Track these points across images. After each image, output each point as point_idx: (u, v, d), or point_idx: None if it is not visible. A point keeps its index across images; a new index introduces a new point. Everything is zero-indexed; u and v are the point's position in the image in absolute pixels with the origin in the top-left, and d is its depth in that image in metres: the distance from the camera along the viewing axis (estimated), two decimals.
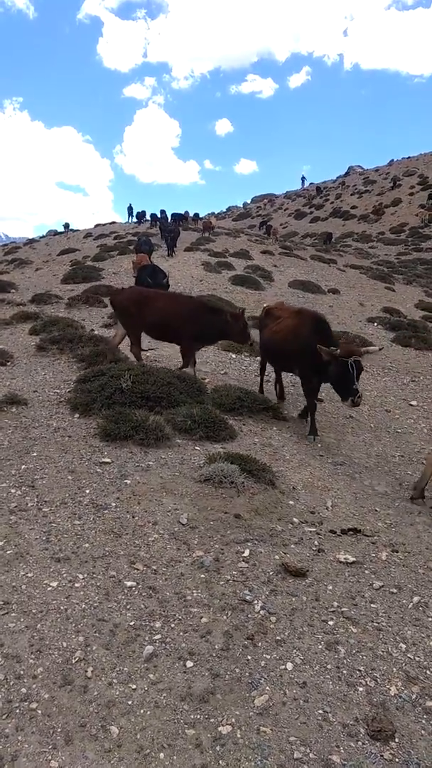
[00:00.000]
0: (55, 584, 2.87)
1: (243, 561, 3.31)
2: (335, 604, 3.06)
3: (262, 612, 2.89)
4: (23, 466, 4.07)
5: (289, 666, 2.57)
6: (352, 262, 23.91)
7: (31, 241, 44.14)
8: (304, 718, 2.31)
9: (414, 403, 8.09)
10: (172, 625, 2.72)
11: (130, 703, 2.28)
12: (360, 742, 2.24)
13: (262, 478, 4.25)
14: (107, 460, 4.28)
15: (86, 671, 2.39)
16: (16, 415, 5.13)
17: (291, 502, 4.20)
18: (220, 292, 13.08)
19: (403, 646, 2.80)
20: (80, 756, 2.04)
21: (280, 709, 2.35)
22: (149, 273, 9.59)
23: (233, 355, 8.96)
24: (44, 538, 3.24)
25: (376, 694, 2.48)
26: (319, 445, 5.94)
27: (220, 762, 2.09)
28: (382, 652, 2.74)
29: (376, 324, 12.61)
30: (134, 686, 2.36)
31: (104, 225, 45.69)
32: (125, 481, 3.99)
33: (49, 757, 2.02)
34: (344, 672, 2.58)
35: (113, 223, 46.95)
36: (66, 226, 46.71)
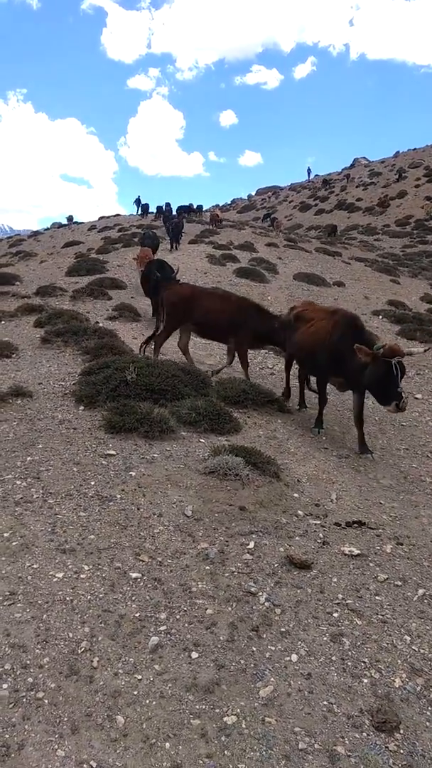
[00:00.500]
0: (60, 575, 2.88)
1: (248, 553, 3.31)
2: (340, 596, 3.06)
3: (266, 604, 2.90)
4: (28, 458, 4.08)
5: (294, 657, 2.58)
6: (357, 255, 23.75)
7: (35, 234, 44.05)
8: (308, 709, 2.32)
9: (419, 396, 8.06)
10: (177, 617, 2.73)
11: (135, 693, 2.30)
12: (365, 734, 2.24)
13: (267, 470, 4.25)
14: (112, 452, 4.28)
15: (92, 661, 2.40)
16: (21, 407, 5.14)
17: (296, 495, 4.19)
18: (224, 284, 13.03)
19: (408, 638, 2.80)
20: (86, 745, 2.06)
21: (285, 700, 2.36)
22: (157, 267, 9.54)
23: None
24: (50, 530, 3.25)
25: (380, 685, 2.49)
26: (324, 438, 5.93)
27: (226, 752, 2.10)
28: (387, 644, 2.74)
29: (381, 317, 12.54)
30: (140, 677, 2.37)
31: (108, 217, 45.51)
32: (130, 473, 3.99)
33: (56, 746, 2.04)
34: (349, 664, 2.59)
35: (117, 215, 46.77)
36: (70, 218, 46.55)
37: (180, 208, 32.65)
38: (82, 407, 5.19)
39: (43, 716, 2.14)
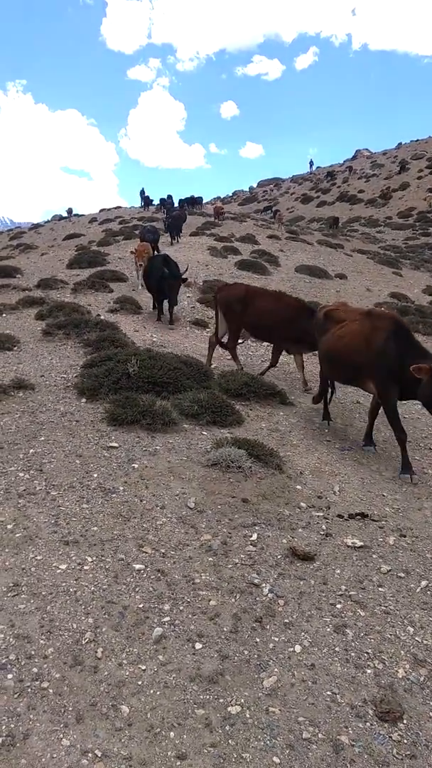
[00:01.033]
0: (64, 567, 2.89)
1: (251, 545, 3.32)
2: (343, 587, 3.07)
3: (270, 595, 2.91)
4: (31, 451, 4.08)
5: (298, 648, 2.59)
6: (359, 247, 23.65)
7: (36, 226, 43.85)
8: (312, 700, 2.33)
9: None
10: (181, 608, 2.74)
11: (140, 683, 2.30)
12: (368, 723, 2.25)
13: (270, 462, 4.25)
14: (114, 444, 4.28)
15: (96, 652, 2.41)
16: (23, 399, 5.14)
17: (298, 487, 4.19)
18: (225, 277, 12.99)
19: (411, 629, 2.80)
20: (91, 734, 2.07)
21: (289, 690, 2.36)
22: (162, 262, 9.35)
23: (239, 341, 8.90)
24: (53, 522, 3.25)
25: (384, 676, 2.49)
26: (327, 431, 5.92)
27: (230, 741, 2.11)
28: (390, 635, 2.75)
29: (383, 309, 12.51)
30: (144, 667, 2.38)
31: (109, 210, 45.30)
32: (133, 465, 3.99)
33: (61, 736, 2.05)
34: (352, 654, 2.59)
35: (118, 207, 46.55)
36: (69, 211, 46.32)
37: (182, 201, 32.46)
38: (84, 400, 5.19)
39: (48, 706, 2.15)
